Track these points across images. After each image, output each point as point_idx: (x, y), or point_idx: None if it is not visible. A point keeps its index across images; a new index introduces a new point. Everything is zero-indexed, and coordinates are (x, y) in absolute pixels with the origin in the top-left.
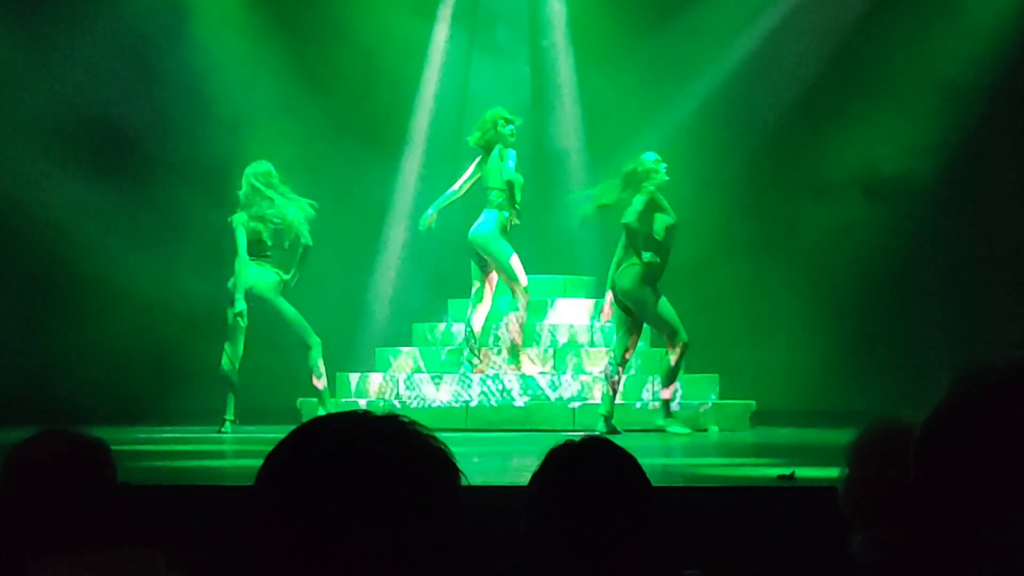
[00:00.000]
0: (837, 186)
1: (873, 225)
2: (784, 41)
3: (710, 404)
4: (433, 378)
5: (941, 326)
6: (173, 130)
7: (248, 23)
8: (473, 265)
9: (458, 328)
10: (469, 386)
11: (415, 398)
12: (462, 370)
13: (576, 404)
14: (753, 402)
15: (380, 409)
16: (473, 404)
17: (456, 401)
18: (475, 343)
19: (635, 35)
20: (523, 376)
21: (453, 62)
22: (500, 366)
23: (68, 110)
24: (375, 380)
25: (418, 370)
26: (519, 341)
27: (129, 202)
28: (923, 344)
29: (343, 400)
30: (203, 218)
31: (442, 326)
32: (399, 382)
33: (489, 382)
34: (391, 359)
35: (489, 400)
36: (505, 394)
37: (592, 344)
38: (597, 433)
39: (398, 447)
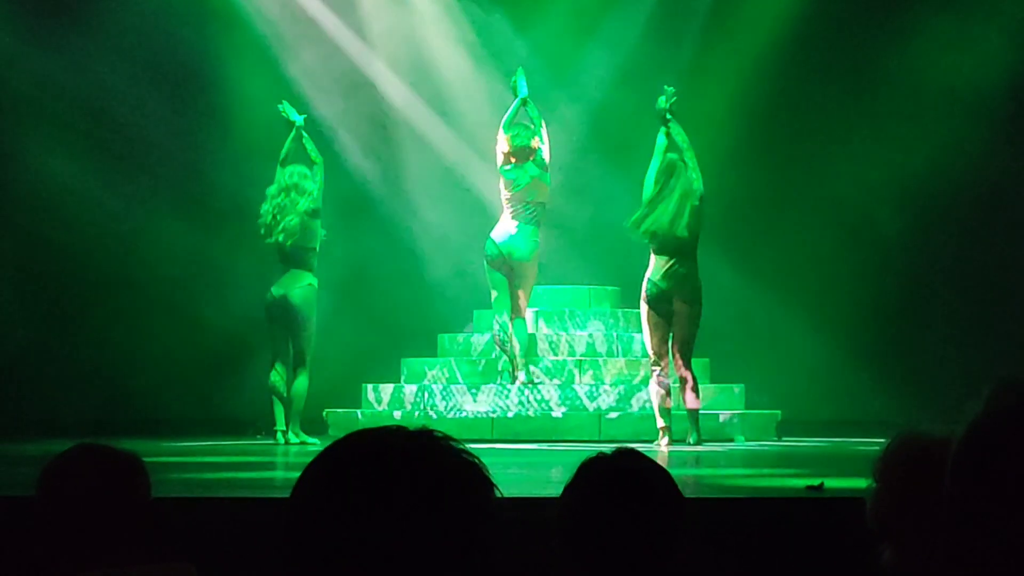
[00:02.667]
0: (863, 197)
1: (900, 235)
2: (805, 57)
3: (736, 414)
4: (470, 388)
5: (968, 335)
6: (213, 150)
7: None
8: (496, 274)
9: (482, 339)
10: (507, 397)
11: (451, 409)
12: (500, 380)
13: (614, 415)
14: (779, 412)
15: (416, 421)
16: (511, 415)
17: (494, 411)
18: (516, 355)
19: (660, 39)
20: (562, 386)
21: (475, 63)
22: (538, 375)
23: (118, 126)
24: (409, 391)
25: (454, 381)
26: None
27: (183, 215)
28: (949, 353)
29: (371, 412)
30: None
31: (472, 336)
32: (435, 393)
33: (527, 392)
34: (426, 370)
35: (527, 411)
36: (543, 404)
37: (611, 355)
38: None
39: (432, 462)
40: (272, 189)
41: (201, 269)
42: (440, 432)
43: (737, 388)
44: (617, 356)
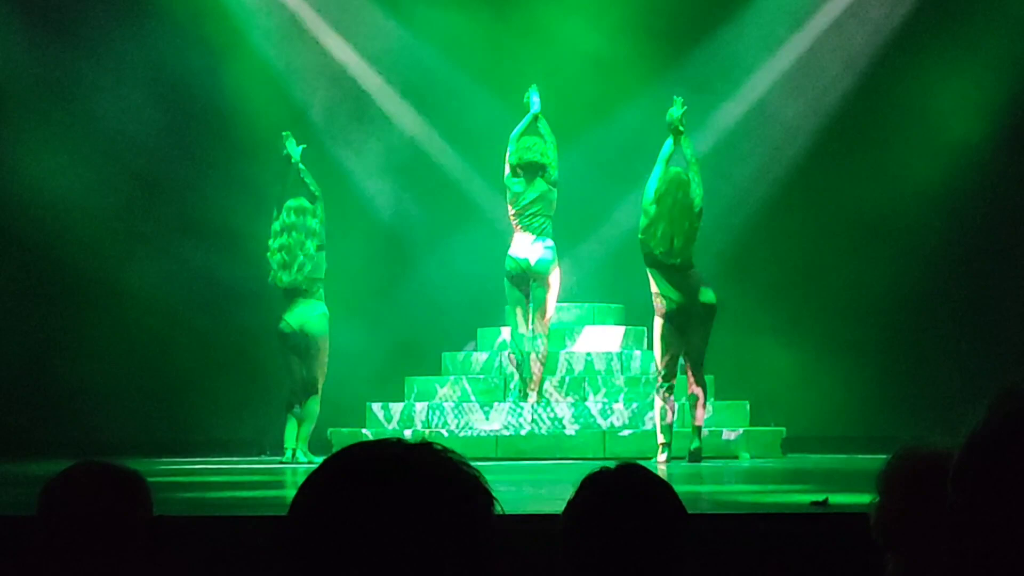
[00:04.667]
0: (867, 215)
1: (902, 252)
2: (807, 75)
3: (741, 431)
4: (483, 406)
5: (974, 351)
6: (201, 179)
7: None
8: (515, 291)
9: (482, 356)
10: (520, 415)
11: (464, 427)
12: (509, 398)
13: (627, 432)
14: (784, 429)
15: (427, 438)
16: (524, 432)
17: (507, 429)
18: (534, 373)
19: (660, 61)
20: (576, 404)
21: (479, 87)
22: (551, 392)
23: (129, 148)
24: (420, 409)
25: (465, 399)
26: (539, 374)
27: (165, 234)
28: (955, 369)
29: (379, 431)
30: (239, 250)
31: (477, 355)
32: (447, 411)
33: (540, 410)
34: (437, 388)
35: (540, 428)
36: (556, 423)
37: (610, 373)
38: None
39: (431, 475)
40: (276, 226)
41: (200, 288)
42: (439, 444)
43: (742, 405)
44: (619, 374)
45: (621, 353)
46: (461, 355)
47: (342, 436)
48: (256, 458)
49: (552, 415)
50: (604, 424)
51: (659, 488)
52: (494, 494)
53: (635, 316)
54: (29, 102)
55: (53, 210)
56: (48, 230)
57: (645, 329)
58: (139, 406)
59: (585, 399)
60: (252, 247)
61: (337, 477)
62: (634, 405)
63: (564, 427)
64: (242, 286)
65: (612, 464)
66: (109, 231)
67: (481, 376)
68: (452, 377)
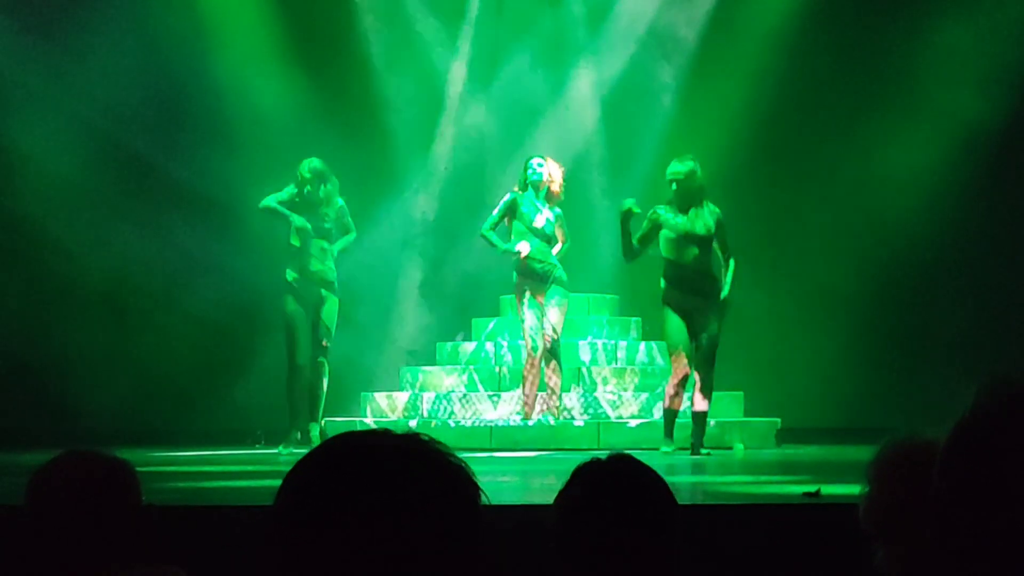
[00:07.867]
0: (863, 201)
1: (900, 240)
2: (806, 51)
3: (735, 422)
4: (491, 396)
5: (970, 342)
6: (191, 157)
7: (270, 53)
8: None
9: (469, 347)
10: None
11: (470, 416)
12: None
13: (635, 422)
14: (778, 420)
15: (433, 430)
16: (531, 423)
17: (515, 419)
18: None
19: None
20: (586, 394)
21: (474, 84)
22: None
23: (96, 130)
24: (427, 398)
25: (473, 388)
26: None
27: (160, 220)
28: (951, 361)
29: (382, 421)
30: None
31: (470, 345)
32: (453, 401)
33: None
34: (444, 377)
35: (547, 418)
36: (565, 412)
37: (595, 363)
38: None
39: (418, 465)
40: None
41: (196, 274)
42: (427, 435)
43: (736, 396)
44: (607, 365)
45: (618, 345)
46: (449, 345)
47: (339, 427)
48: (251, 448)
49: (559, 406)
50: (613, 414)
51: (650, 479)
52: (485, 487)
53: (629, 307)
54: (18, 80)
55: (46, 195)
56: (41, 215)
57: (634, 321)
58: (131, 396)
59: (594, 390)
60: (244, 233)
61: (324, 466)
62: (643, 396)
63: (573, 417)
64: (239, 271)
65: (604, 455)
66: (106, 215)
67: (471, 367)
68: (462, 366)
